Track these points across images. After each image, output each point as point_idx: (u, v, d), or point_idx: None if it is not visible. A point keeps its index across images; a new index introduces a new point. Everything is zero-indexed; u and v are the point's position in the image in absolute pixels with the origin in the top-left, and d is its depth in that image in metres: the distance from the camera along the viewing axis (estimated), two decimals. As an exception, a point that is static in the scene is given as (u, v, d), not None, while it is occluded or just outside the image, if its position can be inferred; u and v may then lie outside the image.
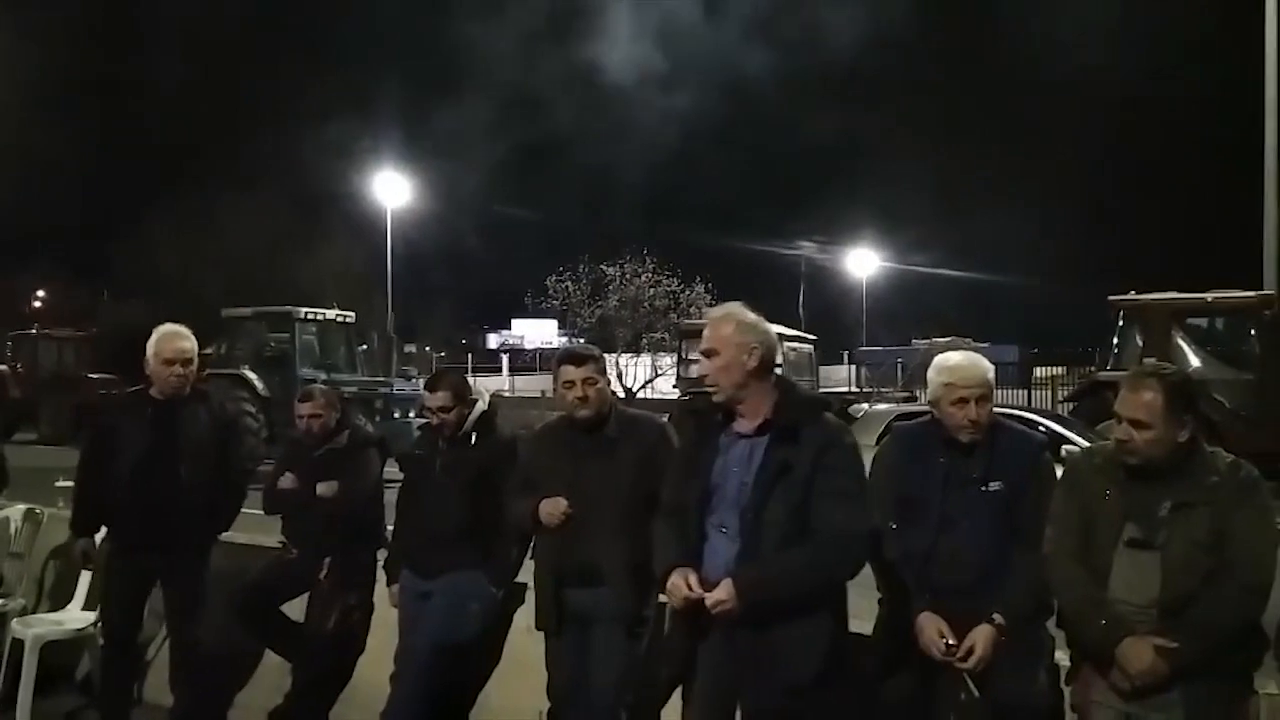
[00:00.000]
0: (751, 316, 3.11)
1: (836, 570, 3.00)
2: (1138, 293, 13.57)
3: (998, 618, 3.07)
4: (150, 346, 4.40)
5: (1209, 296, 13.27)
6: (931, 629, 3.08)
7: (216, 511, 4.52)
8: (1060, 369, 24.43)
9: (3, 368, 23.38)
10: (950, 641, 3.06)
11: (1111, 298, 13.69)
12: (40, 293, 43.32)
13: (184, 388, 4.43)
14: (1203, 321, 13.62)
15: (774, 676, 2.92)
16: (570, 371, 3.67)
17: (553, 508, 3.62)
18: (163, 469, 4.34)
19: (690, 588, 2.92)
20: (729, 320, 3.08)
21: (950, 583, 3.16)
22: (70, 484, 4.72)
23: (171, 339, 4.40)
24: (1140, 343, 12.94)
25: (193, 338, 4.47)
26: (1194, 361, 12.63)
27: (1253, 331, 12.98)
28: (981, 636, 3.07)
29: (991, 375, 3.28)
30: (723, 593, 2.86)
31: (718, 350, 3.03)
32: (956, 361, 3.30)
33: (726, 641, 2.95)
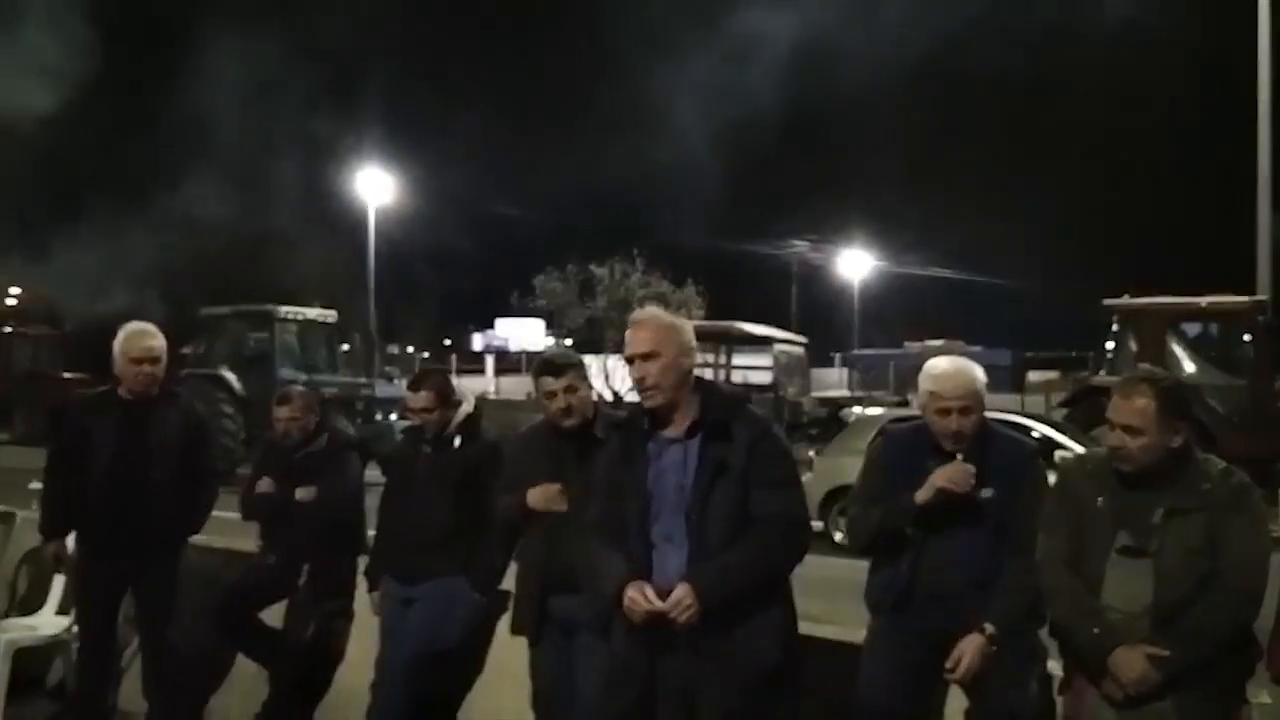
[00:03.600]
0: (677, 319, 3.11)
1: (783, 556, 2.97)
2: (1133, 297, 13.60)
3: (988, 627, 3.05)
4: (117, 345, 4.35)
5: (1203, 301, 13.31)
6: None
7: (187, 514, 4.47)
8: (1054, 373, 24.52)
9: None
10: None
11: (1106, 302, 13.72)
12: (14, 290, 42.92)
13: (152, 387, 4.37)
14: (1197, 326, 13.68)
15: (735, 671, 2.88)
16: (550, 383, 3.63)
17: (544, 493, 3.57)
18: (132, 470, 4.29)
19: (650, 600, 2.84)
20: (663, 321, 3.04)
21: (939, 590, 3.13)
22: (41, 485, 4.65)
23: (138, 337, 4.35)
24: (1135, 347, 12.97)
25: (160, 335, 4.42)
26: (1188, 366, 12.66)
27: (1246, 336, 13.02)
28: (971, 646, 3.05)
29: (979, 386, 3.23)
30: (684, 594, 2.81)
31: (659, 352, 2.95)
32: (942, 370, 3.25)
33: (687, 647, 2.88)
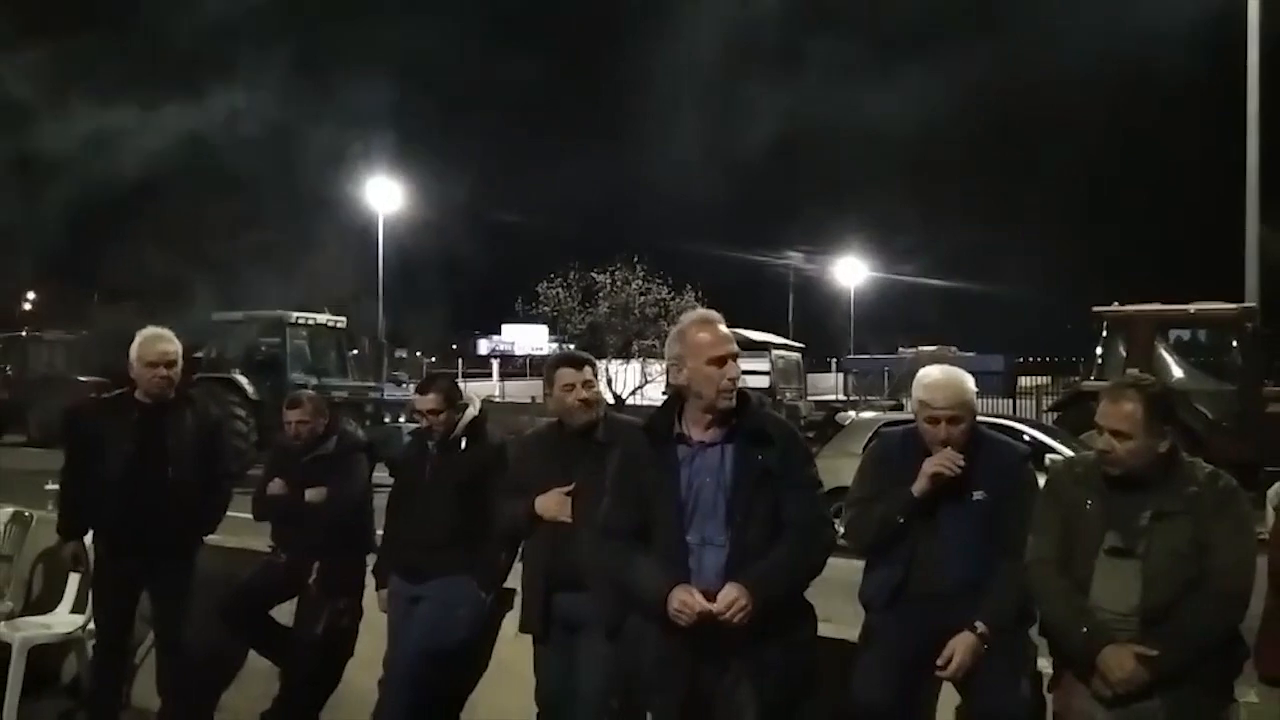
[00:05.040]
0: None
1: (817, 557, 3.01)
2: (1122, 304, 13.65)
3: (979, 626, 3.10)
4: (133, 350, 4.38)
5: (1192, 308, 13.38)
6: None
7: (202, 515, 4.51)
8: (1045, 378, 24.59)
9: (-8, 370, 23.24)
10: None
11: (1096, 308, 13.76)
12: (31, 294, 42.81)
13: (168, 390, 4.41)
14: (1185, 333, 13.73)
15: (775, 672, 2.90)
16: (570, 374, 3.69)
17: (552, 500, 3.62)
18: (148, 472, 4.33)
19: (701, 602, 2.82)
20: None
21: (930, 591, 3.18)
22: (58, 487, 4.71)
23: (153, 342, 4.40)
24: (1124, 353, 13.02)
25: (175, 340, 4.45)
26: (1177, 372, 12.72)
27: (1234, 343, 13.06)
28: (962, 644, 3.09)
29: (969, 396, 3.27)
30: (738, 594, 2.80)
31: (740, 354, 3.02)
32: (933, 379, 3.29)
33: (728, 648, 2.89)
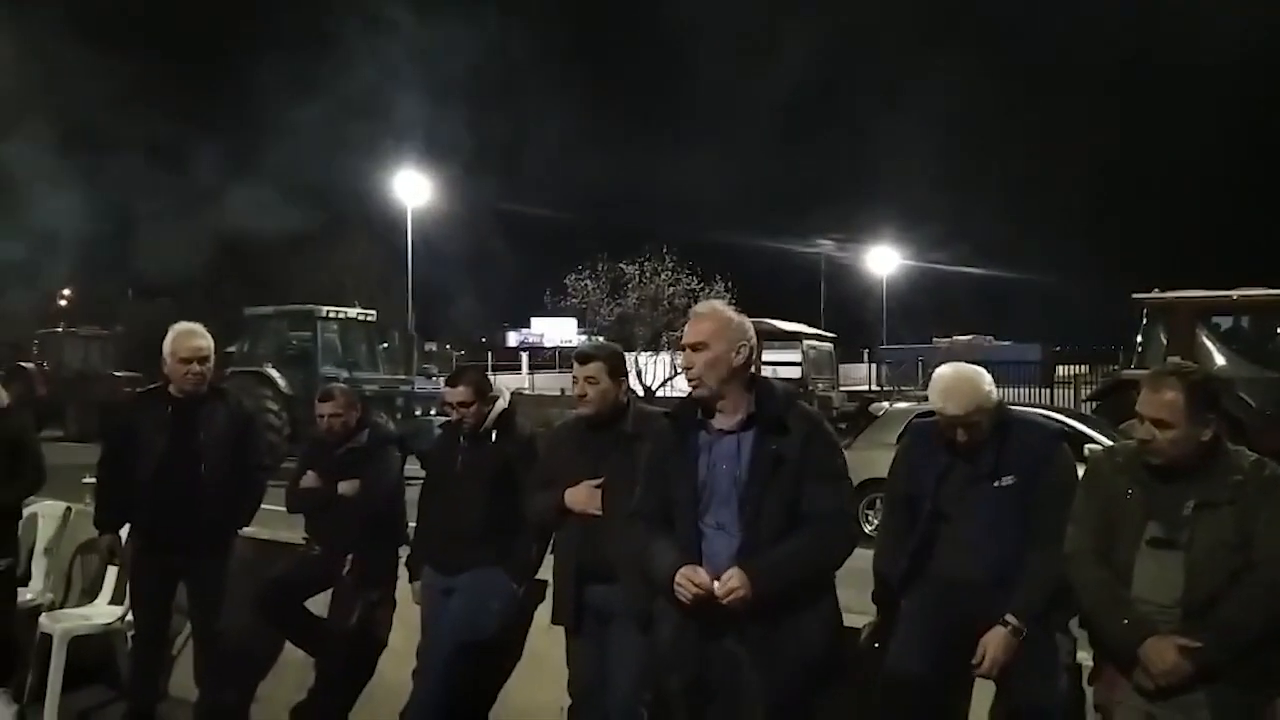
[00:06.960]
0: (737, 315, 3.11)
1: (834, 551, 3.00)
2: (1162, 290, 13.44)
3: (1011, 619, 3.06)
4: (166, 345, 4.44)
5: (1234, 294, 13.12)
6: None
7: (236, 508, 4.56)
8: (1083, 367, 24.26)
9: (30, 365, 23.70)
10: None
11: (1135, 295, 13.54)
12: (66, 291, 43.54)
13: (201, 385, 4.46)
14: (1228, 319, 13.48)
15: (783, 662, 2.91)
16: (575, 369, 3.74)
17: (581, 493, 3.64)
18: (182, 467, 4.38)
19: (699, 582, 2.87)
20: (717, 316, 3.07)
21: (962, 579, 3.16)
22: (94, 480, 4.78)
23: (186, 337, 4.44)
24: (1164, 340, 12.80)
25: (208, 335, 4.50)
26: (1219, 359, 12.49)
27: (1278, 329, 12.82)
28: (995, 641, 3.06)
29: (981, 398, 3.20)
30: (735, 580, 2.84)
31: (708, 344, 3.00)
32: (945, 385, 3.24)
33: (736, 635, 2.92)
